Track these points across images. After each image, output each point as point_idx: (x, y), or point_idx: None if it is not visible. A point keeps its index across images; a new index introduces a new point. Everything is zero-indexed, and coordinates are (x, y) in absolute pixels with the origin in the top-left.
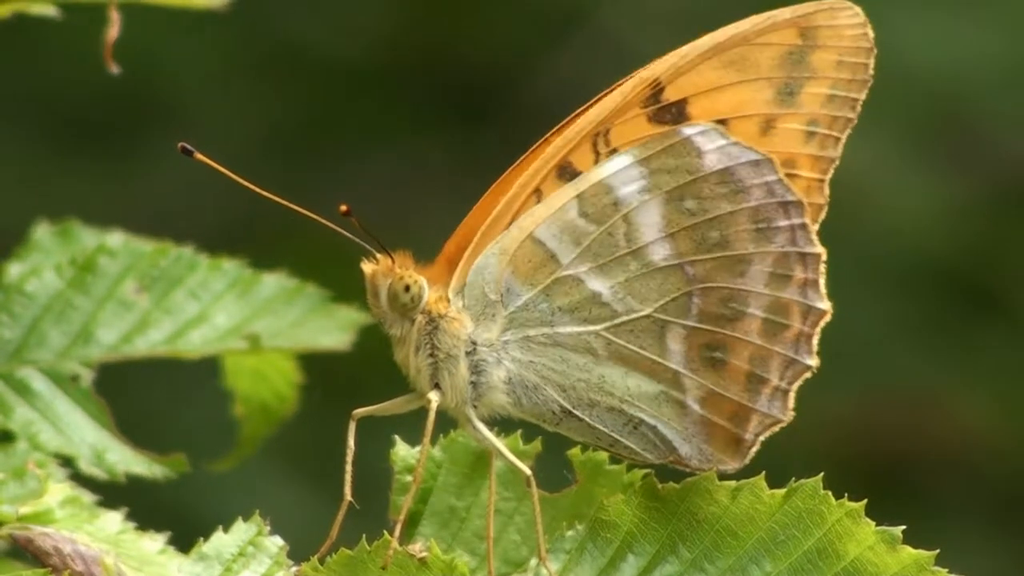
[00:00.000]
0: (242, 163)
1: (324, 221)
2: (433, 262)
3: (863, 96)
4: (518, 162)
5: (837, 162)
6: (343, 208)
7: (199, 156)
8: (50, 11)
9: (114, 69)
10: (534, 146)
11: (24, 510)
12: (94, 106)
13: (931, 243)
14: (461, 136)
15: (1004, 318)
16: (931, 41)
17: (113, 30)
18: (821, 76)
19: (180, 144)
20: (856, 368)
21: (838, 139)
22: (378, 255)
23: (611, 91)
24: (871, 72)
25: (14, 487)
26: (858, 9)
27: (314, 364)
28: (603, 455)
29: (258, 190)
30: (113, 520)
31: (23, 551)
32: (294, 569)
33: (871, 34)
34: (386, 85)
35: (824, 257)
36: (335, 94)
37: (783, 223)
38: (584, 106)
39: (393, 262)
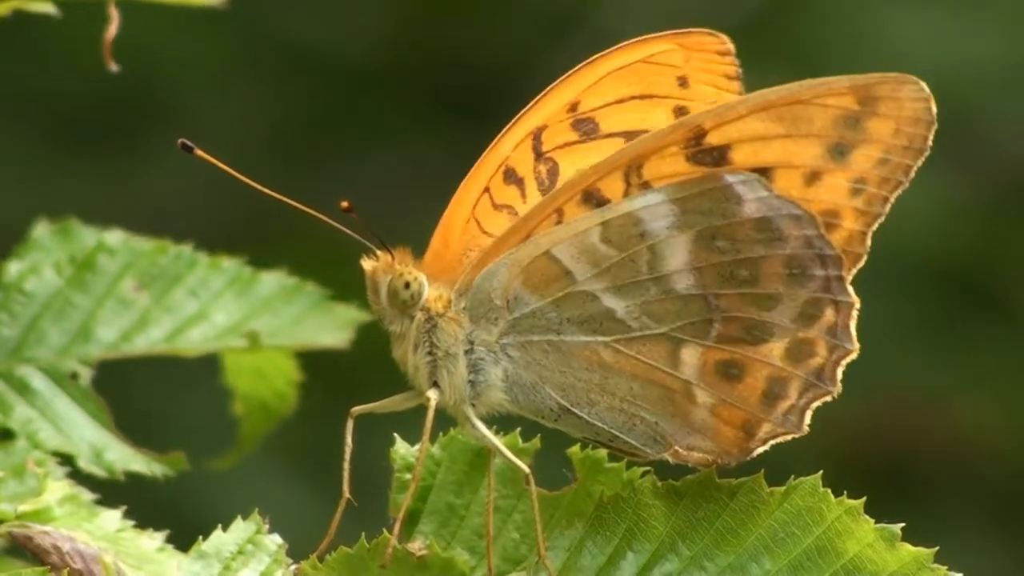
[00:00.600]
0: (242, 163)
1: (324, 217)
2: (422, 258)
3: (918, 164)
4: (485, 153)
5: (883, 218)
6: (344, 204)
7: (199, 152)
8: (49, 9)
9: (113, 67)
10: (497, 138)
11: (23, 508)
12: (94, 105)
13: (931, 243)
14: (461, 136)
15: (1004, 318)
16: (931, 41)
17: (112, 28)
18: (876, 141)
19: (180, 140)
20: (856, 368)
21: (886, 199)
22: (378, 252)
23: (588, 64)
24: (929, 143)
25: (13, 485)
26: (923, 84)
27: (313, 362)
28: (603, 452)
29: (257, 186)
30: (112, 518)
31: (22, 549)
32: (293, 567)
33: (934, 109)
34: (386, 85)
35: (857, 306)
36: (335, 94)
37: (819, 272)
38: (554, 83)
39: (393, 259)
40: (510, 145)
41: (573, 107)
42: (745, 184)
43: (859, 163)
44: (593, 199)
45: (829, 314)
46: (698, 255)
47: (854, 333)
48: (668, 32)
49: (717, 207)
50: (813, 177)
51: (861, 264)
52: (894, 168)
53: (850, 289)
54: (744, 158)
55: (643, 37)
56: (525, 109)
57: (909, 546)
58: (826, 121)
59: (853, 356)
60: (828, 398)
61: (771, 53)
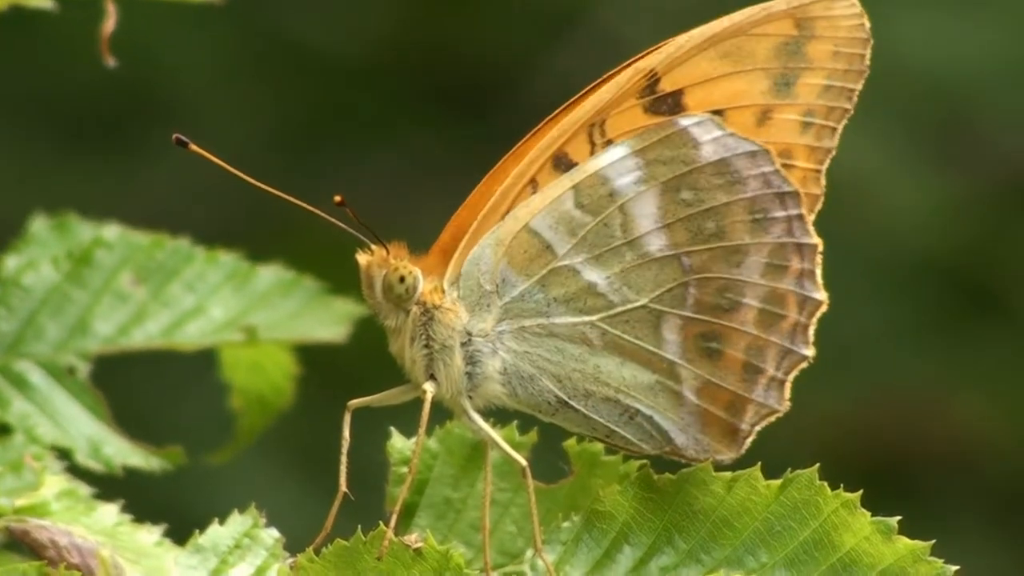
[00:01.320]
0: (242, 161)
1: (317, 211)
2: (427, 253)
3: (859, 86)
4: (511, 152)
5: (834, 152)
6: (337, 199)
7: (193, 147)
8: (46, 4)
9: (110, 62)
10: (526, 136)
11: (20, 502)
12: (92, 102)
13: (930, 241)
14: (461, 134)
15: (1003, 316)
16: (931, 40)
17: (109, 23)
18: (817, 67)
19: (175, 135)
20: (854, 366)
21: (834, 129)
22: (373, 246)
23: (605, 80)
24: (867, 63)
25: (11, 480)
26: (855, 0)
27: (310, 356)
28: (599, 446)
29: (251, 180)
30: (109, 512)
31: (20, 543)
32: (290, 561)
33: (867, 24)
34: (386, 83)
35: (820, 248)
36: (335, 93)
37: (780, 214)
38: (576, 96)
39: (388, 253)
40: None
41: None
42: (699, 126)
43: (804, 94)
44: (563, 164)
45: (795, 261)
46: (666, 210)
47: (820, 280)
48: (780, 0)
49: (677, 154)
50: (764, 116)
51: (819, 207)
52: (838, 94)
53: (811, 229)
54: (697, 103)
55: (749, 8)
56: (568, 103)
57: (906, 539)
58: (768, 52)
59: (823, 309)
60: (804, 364)
61: None
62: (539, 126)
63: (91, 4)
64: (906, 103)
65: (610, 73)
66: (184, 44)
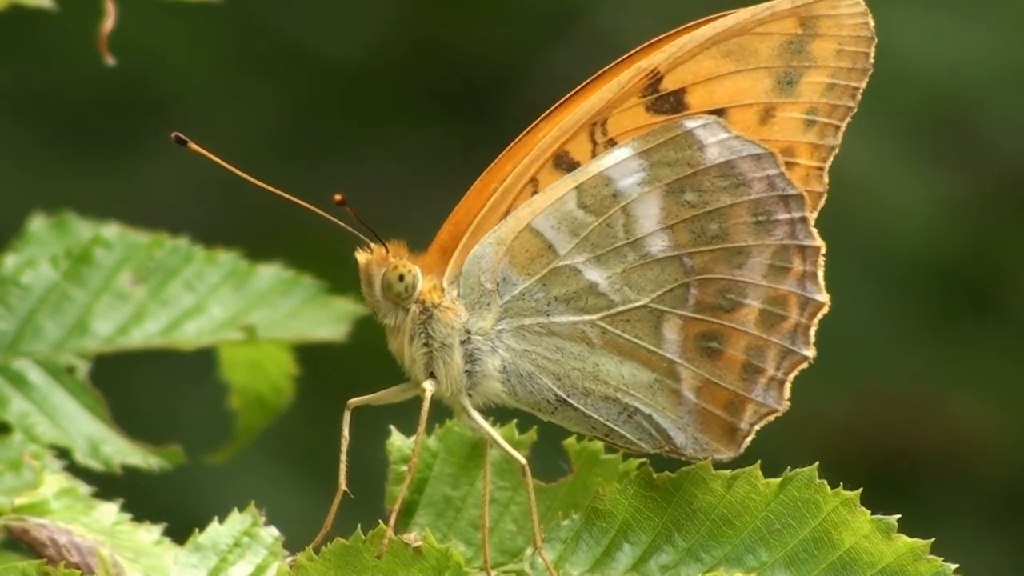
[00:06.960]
0: (241, 160)
1: (317, 210)
2: (426, 251)
3: (863, 85)
4: (507, 149)
5: (837, 150)
6: (337, 197)
7: (192, 145)
8: (45, 3)
9: (110, 61)
10: (522, 134)
11: (20, 501)
12: (93, 101)
13: (929, 241)
14: (460, 133)
15: (1001, 316)
16: (930, 40)
17: (108, 21)
18: (821, 65)
19: (174, 133)
20: (853, 366)
21: (838, 127)
22: (372, 245)
23: (601, 77)
24: (871, 61)
25: (10, 478)
26: None
27: (310, 356)
28: (599, 444)
29: (250, 179)
30: (109, 511)
31: (19, 542)
32: (289, 559)
33: (872, 23)
34: (386, 83)
35: (823, 250)
36: (335, 92)
37: (783, 216)
38: (572, 92)
39: (387, 251)
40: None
41: None
42: (705, 128)
43: (808, 92)
44: (564, 163)
45: (797, 263)
46: (669, 211)
47: (822, 282)
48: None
49: (682, 156)
50: (767, 114)
51: (822, 204)
52: (841, 93)
53: (815, 232)
54: (700, 101)
55: (724, 13)
56: (564, 98)
57: (905, 537)
58: (772, 50)
59: (825, 310)
60: (804, 365)
61: None
62: (535, 123)
63: (91, 3)
64: (905, 103)
65: (607, 68)
66: (184, 44)
